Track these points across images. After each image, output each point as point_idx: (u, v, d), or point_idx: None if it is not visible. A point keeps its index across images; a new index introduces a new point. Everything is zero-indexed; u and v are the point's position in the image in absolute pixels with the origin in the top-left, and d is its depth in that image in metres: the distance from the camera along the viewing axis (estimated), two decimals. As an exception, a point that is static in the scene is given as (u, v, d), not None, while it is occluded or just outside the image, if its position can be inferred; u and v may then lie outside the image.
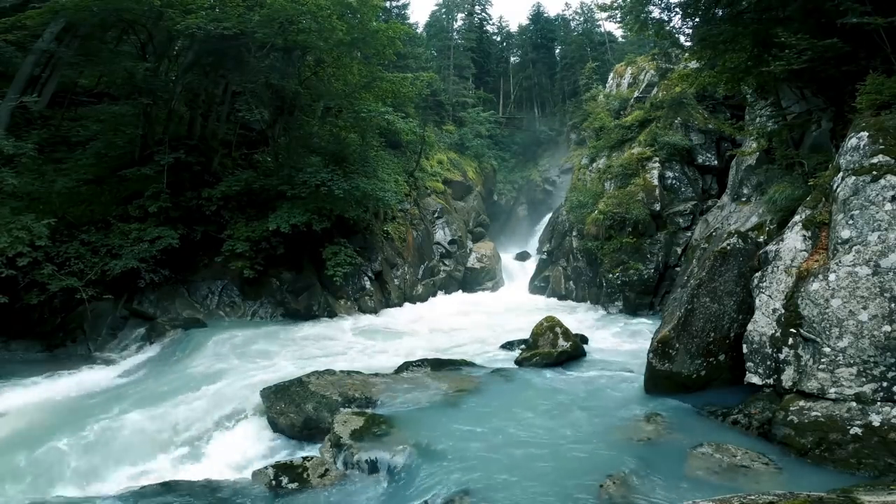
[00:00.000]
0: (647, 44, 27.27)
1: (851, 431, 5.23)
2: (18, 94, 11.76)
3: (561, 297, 19.35)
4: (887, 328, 5.38)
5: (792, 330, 6.08)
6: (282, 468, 5.67)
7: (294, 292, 14.50)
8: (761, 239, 8.12)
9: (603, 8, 11.94)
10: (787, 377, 6.02)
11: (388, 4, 32.81)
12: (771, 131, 11.07)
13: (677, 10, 11.18)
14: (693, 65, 13.53)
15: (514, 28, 50.96)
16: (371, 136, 17.50)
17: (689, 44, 12.04)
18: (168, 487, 5.42)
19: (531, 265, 24.55)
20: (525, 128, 41.25)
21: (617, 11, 11.71)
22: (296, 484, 5.45)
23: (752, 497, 3.56)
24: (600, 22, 41.80)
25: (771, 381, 6.24)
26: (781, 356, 6.13)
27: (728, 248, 7.65)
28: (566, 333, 10.26)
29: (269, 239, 13.74)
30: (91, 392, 8.93)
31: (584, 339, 11.20)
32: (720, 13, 10.14)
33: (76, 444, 6.65)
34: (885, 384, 5.32)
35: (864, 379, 5.44)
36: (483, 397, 7.71)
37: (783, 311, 6.26)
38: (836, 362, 5.62)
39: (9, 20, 11.56)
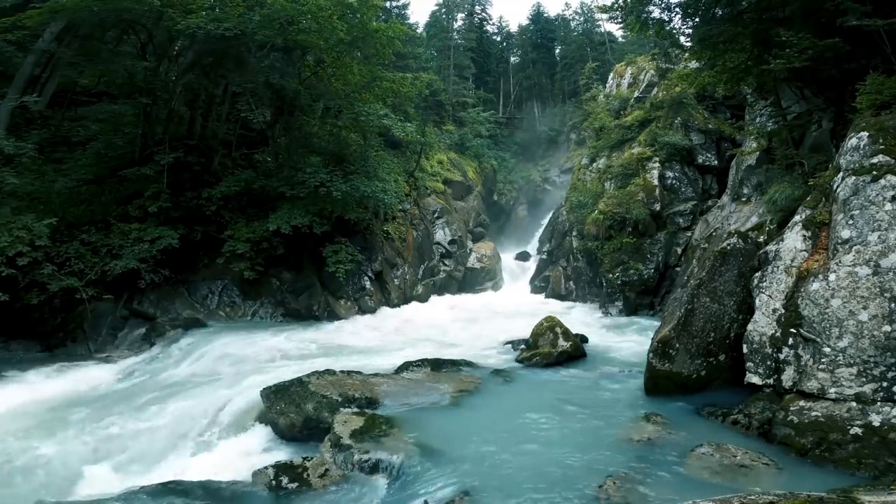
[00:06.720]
0: (647, 44, 27.23)
1: (851, 431, 5.23)
2: (18, 94, 11.80)
3: (561, 297, 19.34)
4: (887, 328, 5.39)
5: (792, 330, 6.08)
6: (282, 468, 5.67)
7: (294, 292, 14.50)
8: (761, 239, 8.13)
9: (603, 9, 11.94)
10: (787, 377, 6.02)
11: (388, 4, 32.75)
12: (771, 131, 11.08)
13: (677, 10, 11.19)
14: (693, 65, 13.55)
15: (514, 28, 51.11)
16: (371, 137, 17.50)
17: (689, 44, 12.04)
18: (168, 488, 5.41)
19: (531, 265, 24.56)
20: (525, 128, 41.24)
21: (618, 12, 11.71)
22: (296, 484, 5.45)
23: (752, 497, 3.56)
24: (600, 22, 41.78)
25: (771, 381, 6.24)
26: (781, 356, 6.13)
27: (728, 248, 7.65)
28: (566, 333, 10.26)
29: (269, 239, 13.71)
30: (91, 392, 8.93)
31: (584, 339, 11.19)
32: (720, 13, 10.15)
33: (76, 444, 6.66)
34: (885, 384, 5.32)
35: (864, 379, 5.44)
36: (483, 397, 7.72)
37: (783, 311, 6.26)
38: (836, 362, 5.62)
39: (9, 20, 11.57)
